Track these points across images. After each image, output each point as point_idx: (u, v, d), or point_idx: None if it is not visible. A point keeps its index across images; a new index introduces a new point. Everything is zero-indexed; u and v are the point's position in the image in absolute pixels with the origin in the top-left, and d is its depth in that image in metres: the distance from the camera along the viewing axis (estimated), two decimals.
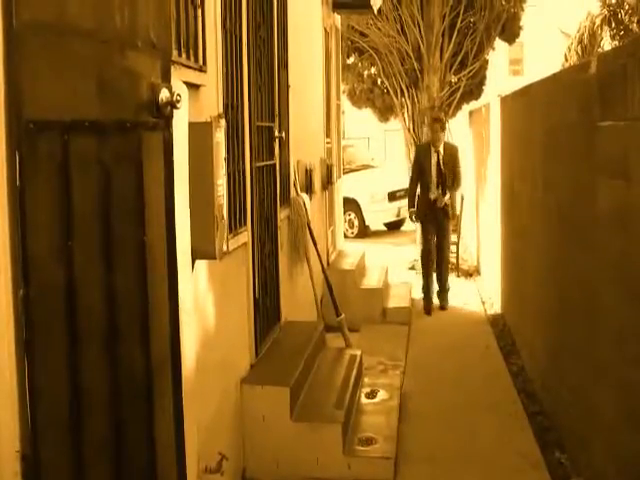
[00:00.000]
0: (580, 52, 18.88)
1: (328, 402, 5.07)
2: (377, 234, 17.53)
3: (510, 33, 14.16)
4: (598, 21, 16.72)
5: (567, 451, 5.11)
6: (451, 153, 9.57)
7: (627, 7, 15.72)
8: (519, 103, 7.79)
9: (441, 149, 9.41)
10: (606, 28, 16.35)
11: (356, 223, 17.14)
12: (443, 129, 9.54)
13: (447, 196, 9.46)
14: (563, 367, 5.38)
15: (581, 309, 4.85)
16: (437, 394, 6.37)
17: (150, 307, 2.52)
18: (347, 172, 16.32)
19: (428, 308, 9.58)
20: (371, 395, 5.83)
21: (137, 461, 2.50)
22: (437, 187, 9.37)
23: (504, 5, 13.45)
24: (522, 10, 14.15)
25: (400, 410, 5.68)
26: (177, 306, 2.72)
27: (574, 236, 5.07)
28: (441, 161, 9.38)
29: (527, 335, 7.13)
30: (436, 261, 9.64)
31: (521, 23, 14.23)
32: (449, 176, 9.42)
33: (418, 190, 9.69)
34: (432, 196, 9.33)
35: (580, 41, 18.94)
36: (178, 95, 2.62)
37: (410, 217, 9.98)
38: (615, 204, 4.08)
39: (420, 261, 9.99)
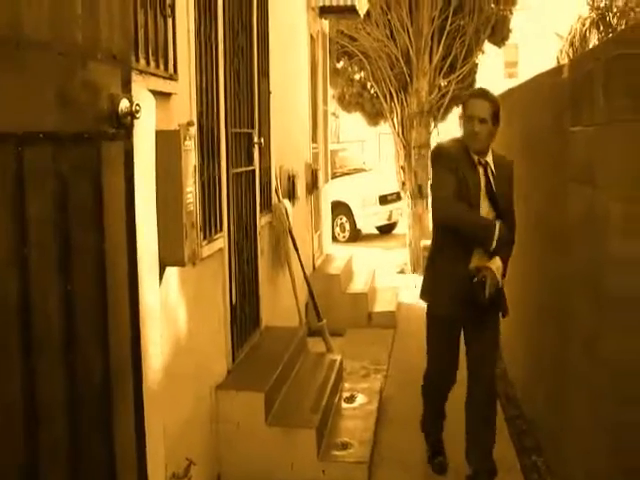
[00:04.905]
0: (571, 55, 18.91)
1: (304, 407, 5.09)
2: (369, 238, 17.57)
3: (500, 36, 14.17)
4: (587, 24, 16.82)
5: (543, 455, 5.14)
6: (503, 173, 4.72)
7: (615, 10, 15.82)
8: (503, 106, 7.80)
9: (490, 161, 4.67)
10: (595, 31, 16.45)
11: (347, 227, 17.18)
12: (496, 123, 4.64)
13: (497, 262, 4.52)
14: (540, 371, 5.41)
15: (555, 315, 4.87)
16: (418, 398, 6.31)
17: (110, 314, 2.54)
18: (339, 176, 16.39)
19: (438, 464, 5.06)
20: (350, 400, 5.85)
21: (95, 470, 2.52)
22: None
23: (493, 8, 13.48)
24: (511, 13, 14.18)
25: (379, 414, 5.70)
26: (137, 313, 2.74)
27: (549, 242, 5.10)
28: (493, 184, 4.62)
29: (508, 339, 7.16)
30: (468, 409, 4.82)
31: (511, 26, 14.24)
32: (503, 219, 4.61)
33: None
34: (473, 264, 4.54)
35: (571, 44, 18.96)
36: (137, 105, 2.65)
37: (422, 295, 4.89)
38: (583, 210, 4.11)
39: (422, 390, 5.28)
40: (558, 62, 19.62)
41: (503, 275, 4.55)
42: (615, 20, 16.09)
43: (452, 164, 4.55)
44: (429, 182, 12.96)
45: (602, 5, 16.34)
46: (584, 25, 17.24)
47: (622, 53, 3.33)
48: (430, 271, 4.84)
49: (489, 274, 4.43)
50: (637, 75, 3.17)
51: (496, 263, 4.49)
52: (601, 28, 16.27)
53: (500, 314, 4.72)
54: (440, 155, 4.73)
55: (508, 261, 4.62)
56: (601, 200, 3.72)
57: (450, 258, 4.61)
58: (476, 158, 4.60)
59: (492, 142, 4.68)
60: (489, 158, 4.66)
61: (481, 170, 4.60)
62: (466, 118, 4.64)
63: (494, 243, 4.45)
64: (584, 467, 4.11)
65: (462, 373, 4.79)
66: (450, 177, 4.50)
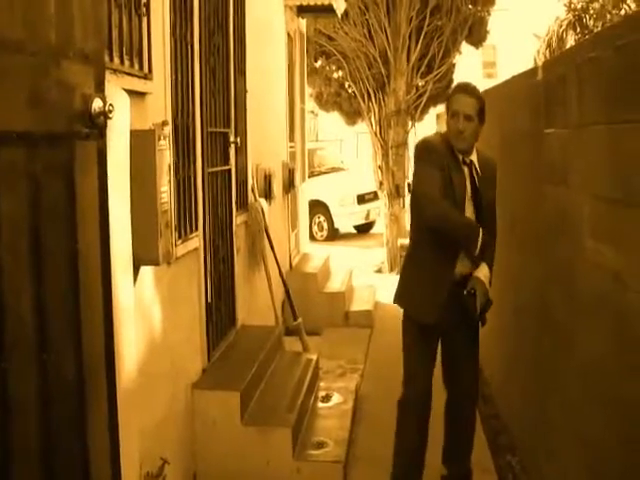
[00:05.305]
0: (548, 56, 19.03)
1: (280, 406, 5.10)
2: (346, 237, 17.61)
3: (477, 37, 14.24)
4: (565, 25, 16.93)
5: (518, 454, 5.17)
6: (488, 175, 4.48)
7: (592, 12, 15.94)
8: None
9: (475, 160, 4.40)
10: (572, 32, 16.57)
11: (325, 226, 17.22)
12: (482, 121, 4.35)
13: (484, 270, 4.31)
14: (516, 372, 5.44)
15: (531, 316, 4.90)
16: (393, 397, 6.34)
17: (83, 313, 2.53)
18: (317, 175, 16.40)
19: None
20: (326, 399, 5.86)
21: (69, 469, 2.52)
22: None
23: (471, 9, 13.53)
24: (489, 14, 14.24)
25: (355, 413, 5.72)
26: (111, 312, 2.73)
27: (526, 245, 5.12)
28: (477, 186, 4.37)
29: (485, 340, 7.18)
30: (448, 412, 4.67)
31: (489, 27, 14.30)
32: (485, 223, 4.36)
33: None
34: (459, 270, 4.32)
35: (548, 45, 19.06)
36: (110, 105, 2.64)
37: (398, 299, 4.59)
38: (557, 211, 4.14)
39: (398, 417, 4.66)
40: (535, 63, 19.73)
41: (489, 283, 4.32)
42: (592, 22, 16.22)
43: (439, 161, 4.22)
44: (406, 181, 13.05)
45: (579, 7, 16.47)
46: (561, 26, 17.35)
47: (594, 56, 3.36)
48: (407, 272, 4.56)
49: (479, 285, 4.21)
50: (609, 78, 3.20)
51: (483, 271, 4.26)
52: (578, 29, 16.40)
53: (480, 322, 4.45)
54: (427, 150, 4.33)
55: (492, 268, 4.39)
56: (574, 201, 3.75)
57: (431, 260, 4.34)
58: (460, 157, 4.30)
59: (477, 141, 4.38)
60: (474, 157, 4.36)
61: (466, 170, 4.31)
62: (450, 114, 4.29)
63: (478, 246, 4.18)
64: (562, 474, 4.12)
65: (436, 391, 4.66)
66: (436, 174, 4.17)
